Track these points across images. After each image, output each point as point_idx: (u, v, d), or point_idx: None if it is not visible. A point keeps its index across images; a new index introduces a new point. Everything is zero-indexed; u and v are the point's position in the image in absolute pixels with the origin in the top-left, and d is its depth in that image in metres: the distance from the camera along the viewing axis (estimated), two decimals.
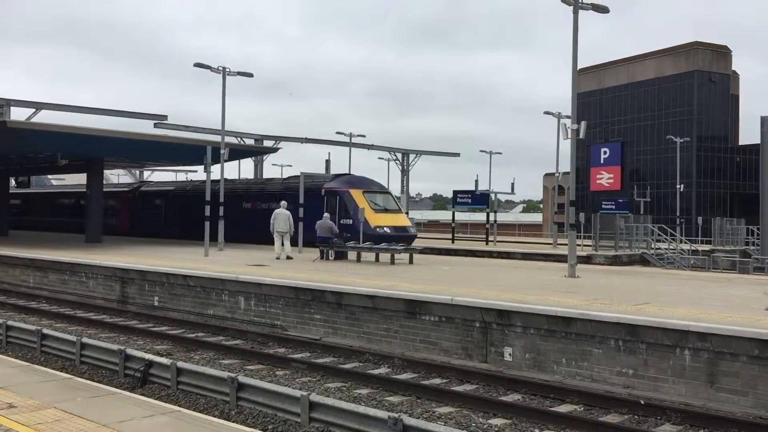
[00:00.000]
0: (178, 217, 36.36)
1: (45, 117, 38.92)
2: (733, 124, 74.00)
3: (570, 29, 17.94)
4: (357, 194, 29.14)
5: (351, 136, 50.75)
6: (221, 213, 25.98)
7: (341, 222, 28.10)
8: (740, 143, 73.03)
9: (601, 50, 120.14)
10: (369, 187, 30.45)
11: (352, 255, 22.04)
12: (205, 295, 16.32)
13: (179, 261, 19.96)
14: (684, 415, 8.39)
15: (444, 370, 10.78)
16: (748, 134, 73.64)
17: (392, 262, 20.34)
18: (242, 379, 8.54)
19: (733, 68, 73.88)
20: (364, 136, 52.71)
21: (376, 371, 10.85)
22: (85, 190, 32.84)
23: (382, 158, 58.40)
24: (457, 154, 60.51)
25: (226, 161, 27.51)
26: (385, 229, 28.32)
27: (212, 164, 24.38)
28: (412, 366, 11.08)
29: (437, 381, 10.32)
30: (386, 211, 29.47)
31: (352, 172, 36.37)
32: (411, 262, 20.66)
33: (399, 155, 57.09)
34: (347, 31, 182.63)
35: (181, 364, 9.52)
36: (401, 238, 27.91)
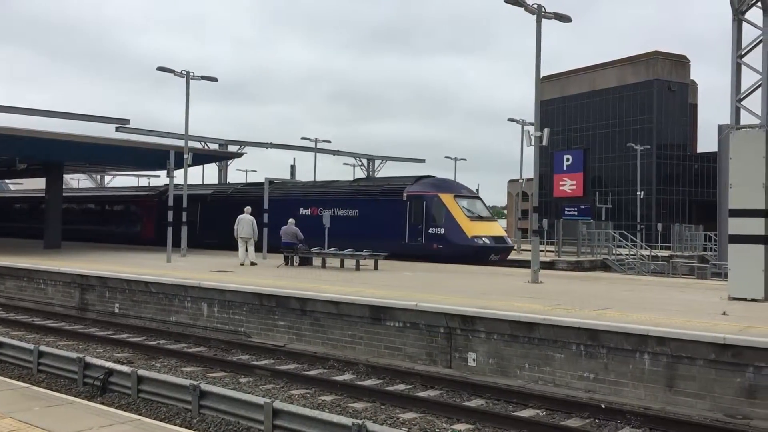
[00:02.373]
0: (216, 223, 30.97)
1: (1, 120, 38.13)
2: (691, 133, 75.73)
3: (529, 35, 18.27)
4: (448, 199, 25.34)
5: (316, 141, 50.68)
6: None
7: (429, 231, 24.96)
8: (698, 151, 74.80)
9: (561, 56, 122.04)
10: (459, 191, 26.72)
11: (317, 261, 21.97)
12: (167, 302, 16.10)
13: (141, 267, 19.68)
14: (643, 419, 8.53)
15: (408, 375, 10.80)
16: (706, 142, 75.40)
17: (357, 268, 20.33)
18: (204, 386, 8.45)
19: (692, 77, 75.68)
20: (329, 141, 52.73)
21: (340, 378, 10.82)
22: (68, 194, 31.65)
23: (348, 164, 58.49)
24: (422, 160, 60.79)
25: (189, 166, 27.28)
26: (484, 239, 24.85)
27: (175, 169, 24.13)
28: (376, 372, 11.08)
29: (401, 387, 10.33)
30: (480, 218, 25.83)
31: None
32: (376, 268, 20.67)
33: (365, 161, 57.17)
34: (303, 33, 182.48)
35: (142, 372, 9.38)
36: (500, 250, 24.93)
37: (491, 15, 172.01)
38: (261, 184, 32.94)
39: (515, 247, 29.86)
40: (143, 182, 58.42)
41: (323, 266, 21.32)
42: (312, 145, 50.70)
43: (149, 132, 43.12)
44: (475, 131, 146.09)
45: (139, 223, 36.16)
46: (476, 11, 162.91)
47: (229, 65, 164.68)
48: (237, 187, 34.32)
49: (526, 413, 8.99)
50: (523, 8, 17.86)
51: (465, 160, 63.45)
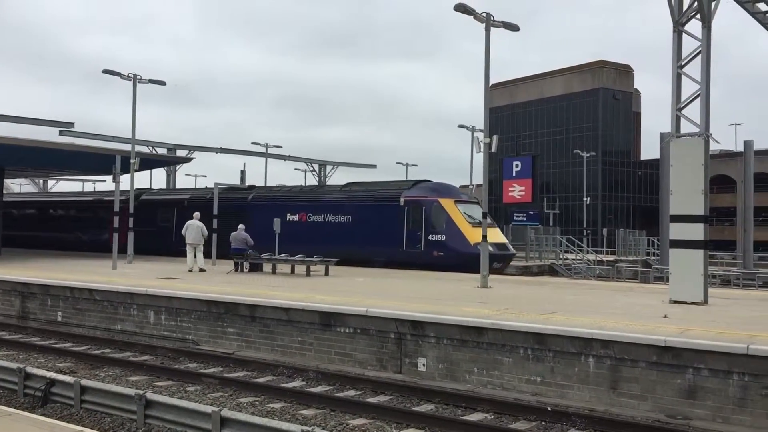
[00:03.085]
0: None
1: None
2: (635, 140, 77.75)
3: (477, 41, 18.48)
4: (449, 204, 24.19)
5: (267, 146, 50.33)
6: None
7: (428, 238, 23.71)
8: (642, 158, 76.78)
9: (509, 63, 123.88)
10: (459, 196, 25.76)
11: (267, 267, 21.79)
12: (112, 310, 15.75)
13: (85, 274, 19.20)
14: (588, 420, 8.71)
15: (358, 381, 10.80)
16: (649, 149, 77.47)
17: (308, 273, 20.24)
18: (150, 395, 8.29)
19: (635, 86, 77.74)
20: (280, 146, 52.42)
21: (290, 384, 10.75)
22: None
23: (299, 169, 58.20)
24: (374, 166, 60.95)
25: (136, 171, 26.79)
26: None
27: (121, 174, 23.67)
28: (326, 378, 11.04)
29: (351, 393, 10.32)
30: (480, 224, 24.42)
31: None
32: (327, 273, 20.62)
33: (316, 166, 56.99)
34: (248, 36, 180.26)
35: (85, 381, 9.15)
36: (503, 257, 23.71)
37: (439, 20, 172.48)
38: (242, 188, 31.72)
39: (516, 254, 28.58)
40: (88, 187, 57.06)
41: (273, 272, 21.15)
42: (262, 149, 50.33)
43: (94, 136, 42.16)
44: (426, 136, 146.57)
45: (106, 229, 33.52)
46: (424, 16, 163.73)
47: (173, 67, 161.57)
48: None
49: (475, 417, 9.08)
50: (472, 16, 18.11)
51: (416, 165, 64.04)
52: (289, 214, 27.21)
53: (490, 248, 22.30)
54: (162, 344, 13.85)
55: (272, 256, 22.04)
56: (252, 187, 31.64)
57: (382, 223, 23.97)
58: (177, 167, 48.26)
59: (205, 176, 70.70)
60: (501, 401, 9.60)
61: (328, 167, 57.45)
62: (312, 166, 56.80)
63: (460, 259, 21.41)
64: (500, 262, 23.27)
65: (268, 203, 28.28)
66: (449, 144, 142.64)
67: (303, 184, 40.12)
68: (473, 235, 22.79)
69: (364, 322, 11.82)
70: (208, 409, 7.68)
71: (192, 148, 49.17)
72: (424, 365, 11.20)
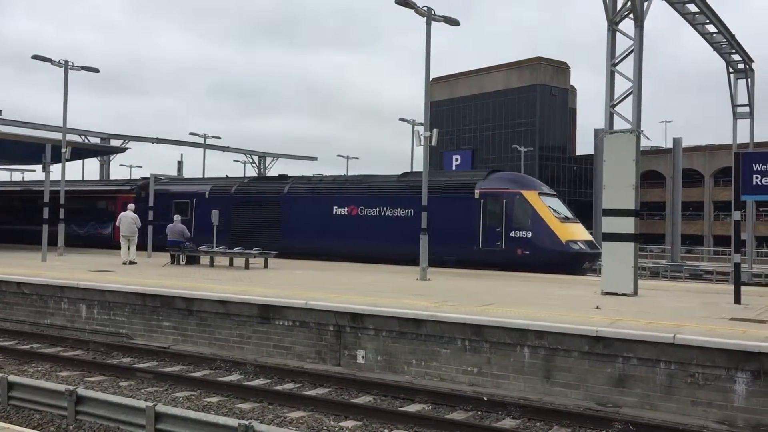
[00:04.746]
0: (228, 225, 25.82)
1: None
2: (571, 136, 79.59)
3: (415, 32, 18.70)
4: (533, 197, 21.83)
5: (206, 137, 49.49)
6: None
7: (510, 235, 21.44)
8: (577, 153, 78.62)
9: (447, 56, 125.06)
10: (541, 188, 23.20)
11: (204, 260, 21.46)
12: (41, 304, 15.24)
13: (13, 267, 18.52)
14: (522, 410, 8.89)
15: (297, 374, 10.75)
16: (584, 145, 79.40)
17: (246, 266, 20.02)
18: (81, 391, 8.06)
19: (572, 83, 79.52)
20: (219, 137, 51.60)
21: (227, 378, 10.62)
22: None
23: (238, 161, 57.42)
24: (315, 158, 60.55)
25: (67, 160, 25.96)
26: (579, 244, 21.51)
27: (52, 164, 22.92)
28: (264, 372, 10.95)
29: (290, 386, 10.27)
30: (567, 219, 22.34)
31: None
32: (266, 266, 20.44)
33: (256, 158, 56.30)
34: (180, 22, 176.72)
35: (12, 377, 8.83)
36: (595, 256, 21.39)
37: (377, 11, 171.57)
38: (275, 179, 28.91)
39: None
40: (16, 177, 54.99)
41: (211, 265, 20.85)
42: (200, 140, 49.45)
43: (23, 124, 40.58)
44: (365, 128, 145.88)
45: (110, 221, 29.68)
46: (361, 5, 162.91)
47: (101, 53, 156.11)
48: (243, 182, 29.28)
49: (413, 408, 9.16)
50: (413, 10, 18.17)
51: (357, 158, 63.98)
52: (336, 207, 24.65)
53: (582, 246, 21.57)
54: (94, 339, 13.48)
55: (211, 248, 21.72)
56: (285, 177, 28.47)
57: (451, 218, 21.55)
58: (111, 157, 46.97)
59: (141, 167, 69.06)
60: (438, 392, 9.71)
61: (269, 159, 56.84)
62: (251, 158, 56.09)
63: (550, 257, 19.40)
64: (592, 261, 21.67)
65: (309, 195, 25.51)
66: (389, 137, 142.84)
67: (347, 174, 34.64)
68: (563, 232, 21.22)
69: (304, 314, 11.77)
70: (142, 404, 7.53)
71: (127, 138, 47.87)
72: (363, 357, 11.23)
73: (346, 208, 24.49)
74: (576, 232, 22.05)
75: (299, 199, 25.64)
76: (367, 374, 10.84)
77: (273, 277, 17.40)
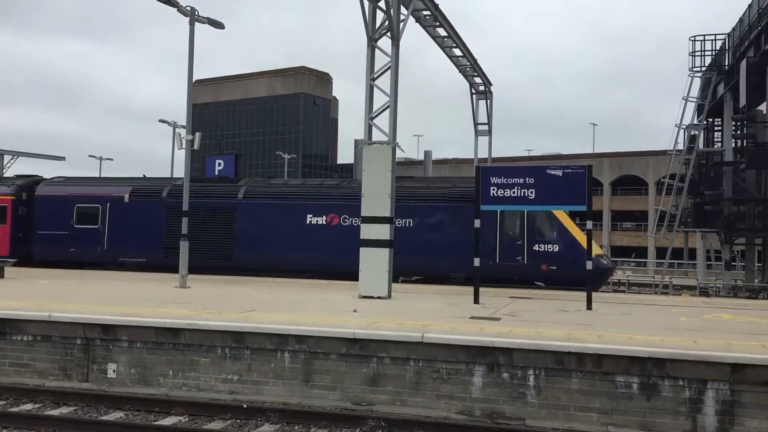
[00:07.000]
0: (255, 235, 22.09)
1: None
2: (333, 145, 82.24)
3: (170, 29, 18.05)
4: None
5: None
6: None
7: (533, 249, 19.52)
8: (339, 162, 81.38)
9: (206, 57, 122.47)
10: None
11: None
12: None
13: None
14: (282, 414, 8.99)
15: (37, 394, 9.82)
16: (345, 154, 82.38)
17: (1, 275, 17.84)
18: None
19: (334, 93, 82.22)
20: None
21: None
22: None
23: None
24: (62, 158, 55.70)
25: None
26: (602, 260, 19.75)
27: None
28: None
29: (29, 407, 9.35)
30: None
31: None
32: (2, 276, 18.37)
33: None
34: None
35: None
36: (610, 271, 19.65)
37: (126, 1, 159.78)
38: (226, 181, 23.92)
39: None
40: None
41: None
42: None
43: None
44: (117, 128, 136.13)
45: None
46: None
47: None
48: (176, 183, 23.85)
49: (168, 421, 8.83)
50: (176, 9, 17.56)
51: (112, 159, 60.12)
52: (310, 216, 21.55)
53: (605, 262, 19.91)
54: None
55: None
56: (239, 180, 24.41)
57: (461, 230, 19.31)
58: None
59: None
60: (196, 402, 9.46)
61: (6, 157, 51.14)
62: None
63: (579, 274, 16.42)
64: (608, 276, 20.22)
65: (274, 201, 22.20)
66: (145, 137, 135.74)
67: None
68: (593, 248, 18.35)
69: (47, 328, 10.78)
70: None
71: None
72: (114, 371, 10.57)
73: (323, 217, 21.50)
74: (597, 249, 20.53)
75: (259, 206, 22.24)
76: (119, 389, 10.23)
77: (14, 287, 15.70)
